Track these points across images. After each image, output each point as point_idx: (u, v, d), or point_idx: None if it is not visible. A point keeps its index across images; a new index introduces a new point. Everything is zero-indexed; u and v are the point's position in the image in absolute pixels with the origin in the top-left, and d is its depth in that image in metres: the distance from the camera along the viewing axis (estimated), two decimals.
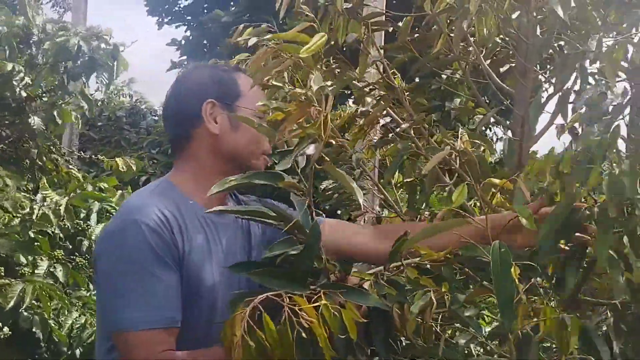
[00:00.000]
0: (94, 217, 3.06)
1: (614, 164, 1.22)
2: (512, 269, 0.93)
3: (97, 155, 4.05)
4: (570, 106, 1.76)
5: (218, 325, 1.15)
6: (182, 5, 10.38)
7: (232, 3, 9.23)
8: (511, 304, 0.93)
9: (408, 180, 1.69)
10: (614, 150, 1.20)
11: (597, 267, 1.12)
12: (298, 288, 0.98)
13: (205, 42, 9.45)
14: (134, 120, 8.15)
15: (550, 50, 1.64)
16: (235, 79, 1.32)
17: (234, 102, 1.29)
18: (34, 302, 2.33)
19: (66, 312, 2.49)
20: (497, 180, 1.05)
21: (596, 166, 1.09)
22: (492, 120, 1.90)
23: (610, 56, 1.47)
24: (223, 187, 1.06)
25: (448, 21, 1.40)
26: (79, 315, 2.54)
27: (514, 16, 1.45)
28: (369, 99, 1.64)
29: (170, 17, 10.43)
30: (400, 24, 1.55)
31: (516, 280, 0.94)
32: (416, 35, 1.50)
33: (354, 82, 1.55)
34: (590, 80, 1.62)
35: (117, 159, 3.48)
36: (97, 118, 7.89)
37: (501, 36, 1.54)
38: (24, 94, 3.21)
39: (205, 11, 9.41)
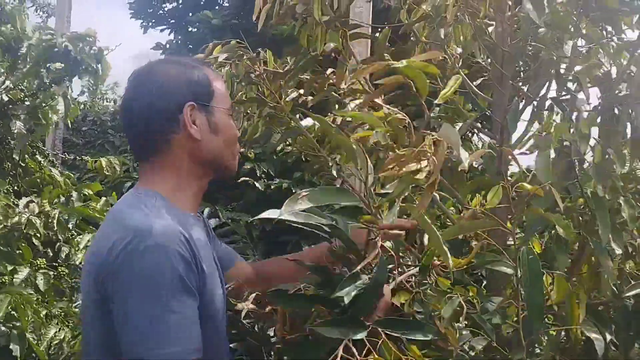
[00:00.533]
0: (73, 223, 3.01)
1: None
2: (544, 277, 0.96)
3: (81, 157, 4.02)
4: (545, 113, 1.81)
5: (223, 344, 1.19)
6: (166, 9, 10.33)
7: (217, 7, 9.21)
8: (542, 312, 0.97)
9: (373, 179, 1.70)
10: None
11: (595, 251, 1.14)
12: (360, 331, 0.96)
13: (190, 45, 9.42)
14: (118, 124, 8.10)
15: (526, 59, 1.67)
16: (207, 76, 1.28)
17: (210, 103, 1.26)
18: (13, 313, 2.24)
19: (43, 326, 2.37)
20: (528, 186, 1.04)
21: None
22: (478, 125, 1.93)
23: (585, 62, 1.51)
24: (304, 204, 1.02)
25: (425, 30, 1.43)
26: (59, 330, 2.42)
27: (490, 29, 1.48)
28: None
29: (154, 21, 10.37)
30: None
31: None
32: (393, 48, 1.52)
33: (332, 92, 1.57)
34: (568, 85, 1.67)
35: (101, 159, 3.45)
36: (81, 122, 7.83)
37: (477, 44, 1.57)
38: (5, 98, 3.19)
39: (191, 14, 9.37)
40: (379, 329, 0.98)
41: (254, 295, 1.35)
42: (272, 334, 1.35)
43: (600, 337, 1.14)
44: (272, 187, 4.40)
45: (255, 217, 1.21)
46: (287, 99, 1.48)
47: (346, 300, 1.02)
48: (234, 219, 4.33)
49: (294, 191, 4.59)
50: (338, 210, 1.07)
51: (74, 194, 3.10)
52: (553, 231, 1.21)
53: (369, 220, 1.07)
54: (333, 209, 1.19)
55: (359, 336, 0.95)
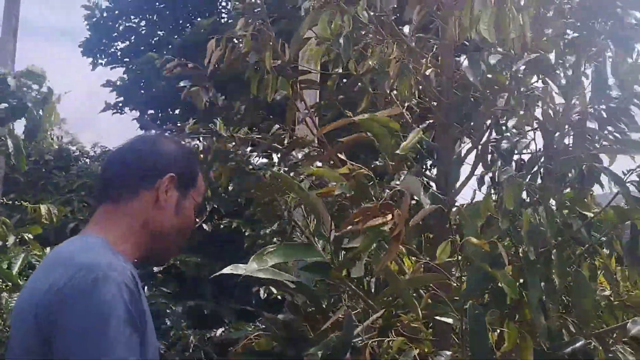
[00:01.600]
0: (15, 268, 2.90)
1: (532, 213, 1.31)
2: (489, 334, 0.97)
3: (20, 201, 3.88)
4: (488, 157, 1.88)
5: None
6: (118, 47, 10.27)
7: (169, 47, 9.23)
8: None
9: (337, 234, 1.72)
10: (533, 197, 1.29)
11: (525, 311, 1.17)
12: None
13: (142, 84, 9.36)
14: (63, 163, 7.86)
15: (468, 109, 1.74)
16: (197, 171, 1.36)
17: (190, 189, 1.32)
18: None
19: None
20: (475, 240, 1.06)
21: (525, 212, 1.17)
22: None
23: (521, 112, 1.59)
24: (270, 261, 1.01)
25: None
26: None
27: (433, 78, 1.54)
28: (299, 155, 1.68)
29: (106, 59, 10.28)
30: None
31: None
32: (341, 96, 1.56)
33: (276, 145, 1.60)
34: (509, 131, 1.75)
35: (40, 206, 3.34)
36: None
37: (422, 96, 1.63)
38: None
39: (142, 53, 9.34)
40: None
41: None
42: None
43: None
44: (222, 226, 4.35)
45: (219, 272, 1.18)
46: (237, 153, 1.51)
47: None
48: (183, 260, 4.24)
49: (243, 230, 4.55)
50: (305, 267, 1.07)
51: (11, 237, 2.97)
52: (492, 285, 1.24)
53: (337, 277, 1.07)
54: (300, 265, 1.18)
55: None
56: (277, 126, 1.48)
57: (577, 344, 1.20)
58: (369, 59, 1.30)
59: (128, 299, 1.08)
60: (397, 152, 1.24)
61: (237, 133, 1.38)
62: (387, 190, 1.22)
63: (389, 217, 0.98)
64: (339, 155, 1.17)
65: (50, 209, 3.41)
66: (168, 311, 4.06)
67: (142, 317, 1.12)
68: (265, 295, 3.34)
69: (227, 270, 1.05)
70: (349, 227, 1.02)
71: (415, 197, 1.00)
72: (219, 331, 4.11)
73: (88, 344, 1.05)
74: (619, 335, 1.28)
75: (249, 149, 1.41)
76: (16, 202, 4.11)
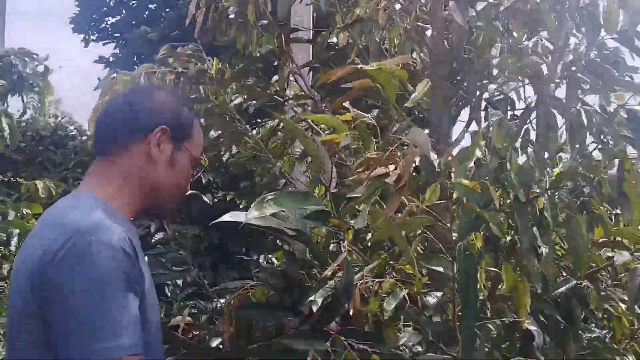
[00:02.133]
0: (14, 241, 2.91)
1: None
2: (478, 275, 0.97)
3: (16, 178, 3.87)
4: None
5: (155, 350, 1.15)
6: (109, 23, 10.14)
7: (161, 19, 9.11)
8: (476, 308, 0.97)
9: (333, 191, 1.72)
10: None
11: (518, 254, 1.17)
12: (324, 342, 0.95)
13: (135, 58, 9.27)
14: (59, 140, 7.84)
15: (460, 62, 1.72)
16: (192, 120, 1.32)
17: (184, 141, 1.28)
18: None
19: None
20: (466, 182, 1.05)
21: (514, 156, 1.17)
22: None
23: (515, 62, 1.57)
24: (270, 209, 1.00)
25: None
26: (2, 347, 2.32)
27: (427, 32, 1.52)
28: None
29: (97, 35, 10.17)
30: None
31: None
32: (332, 52, 1.54)
33: (275, 96, 1.57)
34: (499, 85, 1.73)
35: (36, 182, 3.33)
36: (20, 139, 7.54)
37: (414, 47, 1.61)
38: None
39: (134, 28, 9.23)
40: (343, 339, 0.98)
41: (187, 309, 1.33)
42: (214, 344, 1.33)
43: (539, 330, 1.18)
44: (216, 199, 4.34)
45: (218, 220, 1.15)
46: (232, 104, 1.48)
47: (314, 307, 1.01)
48: (181, 231, 4.25)
49: (238, 202, 4.54)
50: (306, 215, 1.05)
51: (11, 213, 2.98)
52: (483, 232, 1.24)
53: (338, 225, 1.06)
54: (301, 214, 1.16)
55: (324, 347, 0.95)
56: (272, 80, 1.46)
57: (569, 285, 1.21)
58: (356, 8, 1.27)
59: (123, 260, 1.07)
60: (406, 104, 1.22)
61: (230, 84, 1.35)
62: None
63: (393, 167, 0.97)
64: (344, 103, 1.15)
65: (47, 183, 3.40)
66: (168, 282, 4.08)
67: (140, 278, 1.12)
68: (266, 263, 3.35)
69: (226, 217, 1.04)
70: (352, 177, 1.01)
71: (421, 151, 0.98)
72: (222, 301, 4.14)
73: (84, 308, 1.04)
74: (610, 277, 1.30)
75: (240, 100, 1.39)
76: (12, 179, 4.11)
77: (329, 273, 1.03)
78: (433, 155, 1.05)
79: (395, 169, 0.96)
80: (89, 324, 1.04)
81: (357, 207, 1.04)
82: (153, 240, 4.25)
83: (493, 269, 1.20)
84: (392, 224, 0.94)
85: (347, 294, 0.99)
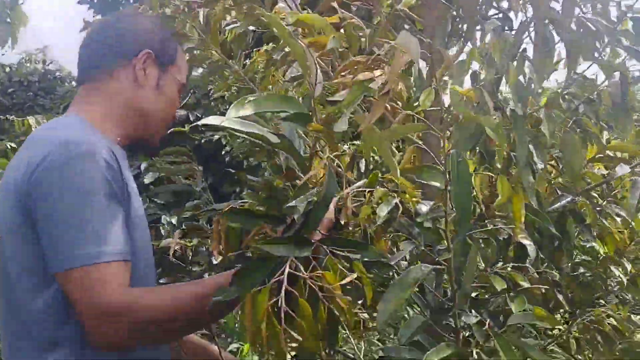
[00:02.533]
0: None
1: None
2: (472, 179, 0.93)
3: (5, 117, 3.81)
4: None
5: (150, 266, 1.17)
6: None
7: None
8: (469, 215, 0.95)
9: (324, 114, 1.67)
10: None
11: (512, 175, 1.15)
12: (306, 249, 0.92)
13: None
14: (48, 86, 7.72)
15: None
16: (176, 46, 1.32)
17: (169, 65, 1.28)
18: None
19: None
20: (459, 88, 1.00)
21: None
22: None
23: None
24: (248, 110, 0.94)
25: None
26: None
27: None
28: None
29: None
30: None
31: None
32: None
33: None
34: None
35: (28, 118, 3.26)
36: (7, 84, 7.43)
37: None
38: None
39: None
40: (325, 247, 0.95)
41: (178, 231, 1.35)
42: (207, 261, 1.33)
43: (531, 243, 1.17)
44: (204, 140, 4.34)
45: (199, 122, 1.12)
46: (228, 33, 1.43)
47: (296, 214, 0.98)
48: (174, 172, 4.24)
49: (224, 143, 4.53)
50: (284, 117, 1.01)
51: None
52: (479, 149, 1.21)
53: (317, 128, 1.02)
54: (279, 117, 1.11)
55: (304, 253, 0.92)
56: None
57: (565, 201, 1.19)
58: None
59: (106, 172, 1.07)
60: (399, 6, 1.16)
61: None
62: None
63: (378, 72, 0.93)
64: (332, 3, 1.09)
65: (39, 119, 3.34)
66: (163, 222, 4.10)
67: (124, 190, 1.11)
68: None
69: (208, 120, 0.99)
70: (336, 80, 0.97)
71: (410, 57, 0.92)
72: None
73: (67, 216, 1.04)
74: (605, 194, 1.28)
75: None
76: (2, 118, 4.05)
77: (309, 178, 1.00)
78: (422, 63, 0.99)
79: (382, 74, 0.91)
80: (72, 231, 1.03)
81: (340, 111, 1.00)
82: (145, 181, 4.24)
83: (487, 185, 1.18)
84: (375, 132, 0.90)
85: (327, 202, 0.96)
